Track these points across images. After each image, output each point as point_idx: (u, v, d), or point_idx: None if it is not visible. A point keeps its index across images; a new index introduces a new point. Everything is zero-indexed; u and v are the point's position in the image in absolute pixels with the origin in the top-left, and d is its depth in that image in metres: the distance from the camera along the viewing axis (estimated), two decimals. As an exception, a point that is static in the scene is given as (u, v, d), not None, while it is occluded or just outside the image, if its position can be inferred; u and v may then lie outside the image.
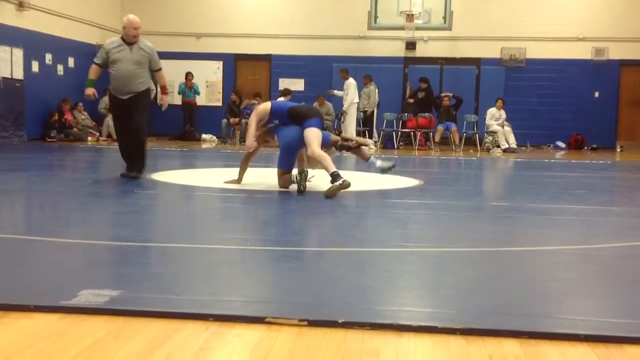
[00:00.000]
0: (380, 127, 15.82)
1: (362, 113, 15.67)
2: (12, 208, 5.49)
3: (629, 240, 4.32)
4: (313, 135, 6.26)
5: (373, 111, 15.76)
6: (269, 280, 3.08)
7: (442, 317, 2.44)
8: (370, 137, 15.51)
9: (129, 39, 7.06)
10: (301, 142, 6.34)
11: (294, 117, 6.42)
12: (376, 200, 6.37)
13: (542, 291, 2.93)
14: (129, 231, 4.36)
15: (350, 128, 14.83)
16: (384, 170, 6.69)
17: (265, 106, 6.63)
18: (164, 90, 7.49)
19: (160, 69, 7.32)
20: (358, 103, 15.29)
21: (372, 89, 15.63)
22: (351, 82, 15.08)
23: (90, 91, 7.15)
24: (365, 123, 15.77)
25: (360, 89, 15.47)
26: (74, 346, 2.12)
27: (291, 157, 6.46)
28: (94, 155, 11.67)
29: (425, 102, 15.85)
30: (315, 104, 15.68)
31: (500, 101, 15.52)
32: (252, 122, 6.59)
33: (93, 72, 7.25)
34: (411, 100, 16.09)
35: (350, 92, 15.01)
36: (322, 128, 6.62)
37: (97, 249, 3.71)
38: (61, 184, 7.16)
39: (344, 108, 15.04)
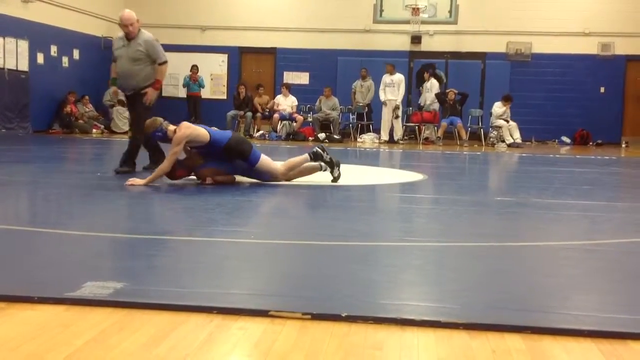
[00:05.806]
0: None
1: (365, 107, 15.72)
2: (17, 200, 5.50)
3: (634, 236, 4.31)
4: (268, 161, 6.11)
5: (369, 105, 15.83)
6: (272, 273, 3.09)
7: (446, 312, 2.44)
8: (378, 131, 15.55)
9: (127, 35, 6.96)
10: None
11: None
12: (380, 195, 6.37)
13: (546, 286, 2.93)
14: (134, 223, 4.37)
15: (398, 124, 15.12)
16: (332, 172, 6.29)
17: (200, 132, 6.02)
18: (155, 84, 6.94)
19: (162, 63, 6.94)
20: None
21: (371, 84, 15.65)
22: (401, 77, 15.13)
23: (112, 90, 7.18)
24: (369, 117, 15.78)
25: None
26: (78, 338, 2.13)
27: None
28: (99, 148, 11.68)
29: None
30: (322, 97, 15.72)
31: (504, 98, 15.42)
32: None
33: (112, 70, 7.26)
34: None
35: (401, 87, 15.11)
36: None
37: (101, 241, 3.71)
38: (66, 176, 7.17)
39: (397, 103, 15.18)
